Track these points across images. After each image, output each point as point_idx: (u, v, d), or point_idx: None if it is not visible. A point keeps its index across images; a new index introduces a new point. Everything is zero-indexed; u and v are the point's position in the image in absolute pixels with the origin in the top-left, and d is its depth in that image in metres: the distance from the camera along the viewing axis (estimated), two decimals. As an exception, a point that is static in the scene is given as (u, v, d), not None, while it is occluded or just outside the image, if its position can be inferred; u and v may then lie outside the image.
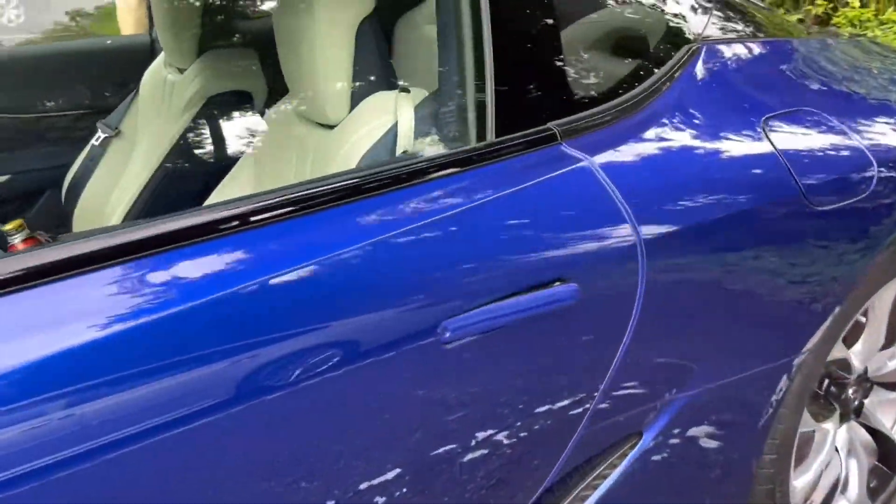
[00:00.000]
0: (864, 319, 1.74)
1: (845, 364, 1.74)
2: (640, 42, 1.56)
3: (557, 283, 1.17)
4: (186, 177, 1.99)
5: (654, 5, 1.64)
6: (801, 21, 3.69)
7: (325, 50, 1.41)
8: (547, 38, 1.34)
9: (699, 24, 1.60)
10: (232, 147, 1.99)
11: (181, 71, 2.13)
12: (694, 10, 1.64)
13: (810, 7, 3.66)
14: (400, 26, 1.97)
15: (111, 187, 2.27)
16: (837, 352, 1.69)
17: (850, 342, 1.77)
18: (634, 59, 1.51)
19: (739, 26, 1.70)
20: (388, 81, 1.44)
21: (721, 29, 1.64)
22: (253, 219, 1.02)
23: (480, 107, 1.24)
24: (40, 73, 2.58)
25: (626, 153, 1.31)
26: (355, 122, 1.42)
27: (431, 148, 1.30)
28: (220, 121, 2.02)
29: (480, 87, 1.25)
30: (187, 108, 2.05)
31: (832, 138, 1.54)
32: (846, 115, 1.61)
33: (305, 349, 1.00)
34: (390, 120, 1.37)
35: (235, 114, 2.01)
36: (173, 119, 2.09)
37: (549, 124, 1.28)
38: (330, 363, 1.01)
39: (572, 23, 1.42)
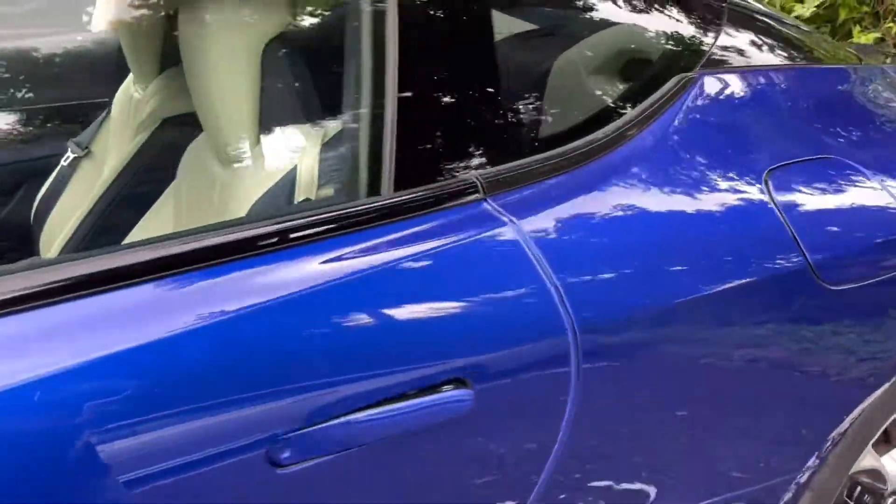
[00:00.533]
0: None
1: (878, 475, 1.39)
2: (618, 72, 1.27)
3: (450, 387, 0.90)
4: (128, 204, 1.79)
5: (643, 26, 1.34)
6: (881, 40, 3.28)
7: (222, 77, 1.18)
8: (479, 63, 1.07)
9: (702, 49, 1.30)
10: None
11: (146, 89, 1.95)
12: (698, 31, 1.34)
13: (892, 24, 3.26)
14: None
15: (78, 210, 2.11)
16: (868, 461, 1.35)
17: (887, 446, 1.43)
18: (606, 93, 1.22)
19: (761, 52, 1.39)
20: (302, 113, 1.20)
21: (734, 54, 1.33)
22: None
23: (376, 149, 0.99)
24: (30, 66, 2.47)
25: (569, 214, 1.02)
26: (256, 161, 1.18)
27: (333, 198, 1.06)
28: (173, 145, 1.81)
29: (378, 123, 0.99)
30: (140, 131, 1.85)
31: (863, 197, 1.21)
32: (890, 167, 1.28)
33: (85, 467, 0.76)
34: (294, 161, 1.13)
35: (190, 138, 1.80)
36: (128, 141, 1.90)
37: (472, 174, 1.01)
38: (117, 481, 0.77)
39: (517, 45, 1.15)
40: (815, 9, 3.31)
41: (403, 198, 0.97)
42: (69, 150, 2.22)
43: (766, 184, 1.14)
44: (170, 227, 1.45)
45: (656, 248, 1.04)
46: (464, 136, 1.04)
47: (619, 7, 1.34)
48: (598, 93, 1.23)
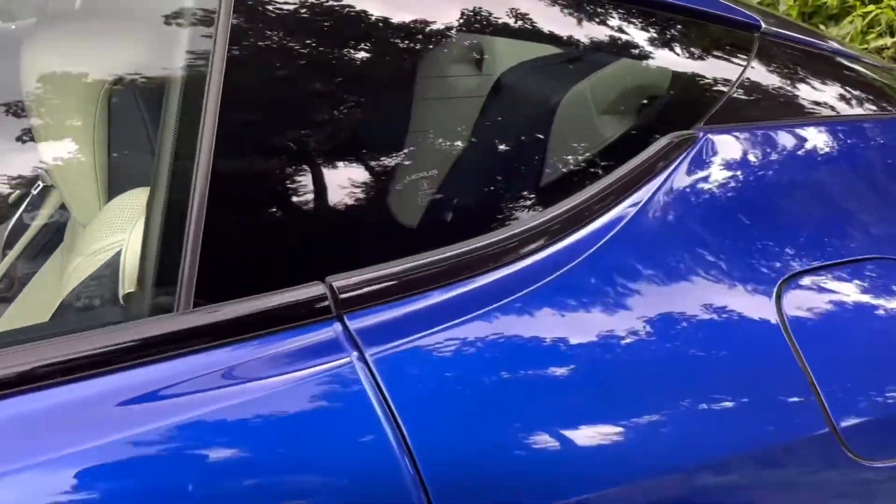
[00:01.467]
0: None
1: None
2: (595, 128, 0.94)
3: None
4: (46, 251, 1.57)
5: (634, 60, 1.00)
6: None
7: (53, 125, 0.91)
8: (344, 125, 0.77)
9: (712, 95, 0.95)
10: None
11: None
12: (713, 69, 0.99)
13: None
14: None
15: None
16: None
17: None
18: (562, 161, 0.90)
19: (803, 99, 1.01)
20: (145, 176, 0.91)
21: (758, 103, 0.97)
22: None
23: (172, 239, 0.69)
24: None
25: (459, 345, 0.70)
26: (91, 235, 0.91)
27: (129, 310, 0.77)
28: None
29: (180, 198, 0.70)
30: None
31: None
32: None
33: None
34: (123, 238, 0.85)
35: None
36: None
37: (329, 279, 0.70)
38: None
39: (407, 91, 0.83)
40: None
41: (205, 318, 0.67)
42: (39, 179, 2.04)
43: (779, 300, 0.78)
44: (48, 298, 1.20)
45: (593, 393, 0.70)
46: (316, 225, 0.74)
47: (612, 37, 1.00)
48: (552, 161, 0.90)
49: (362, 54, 0.79)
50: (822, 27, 3.19)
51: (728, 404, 0.74)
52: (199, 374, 0.64)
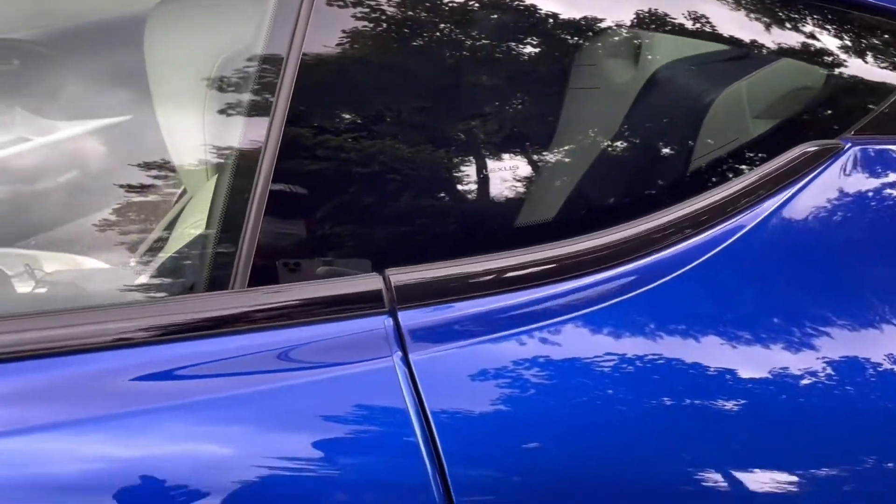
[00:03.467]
0: None
1: None
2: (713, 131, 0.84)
3: None
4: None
5: (798, 60, 0.88)
6: None
7: (168, 94, 0.94)
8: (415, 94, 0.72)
9: (870, 97, 0.82)
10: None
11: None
12: (874, 64, 0.85)
13: None
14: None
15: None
16: None
17: None
18: (671, 164, 0.81)
19: None
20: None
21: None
22: None
23: (233, 214, 0.69)
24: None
25: (517, 355, 0.64)
26: (194, 207, 0.92)
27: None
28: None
29: (244, 178, 0.69)
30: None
31: None
32: None
33: None
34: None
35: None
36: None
37: (388, 272, 0.67)
38: None
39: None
40: None
41: (254, 299, 0.65)
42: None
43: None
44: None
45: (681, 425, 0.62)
46: (385, 209, 0.70)
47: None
48: (661, 163, 0.81)
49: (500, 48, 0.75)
50: None
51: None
52: (235, 355, 0.62)
